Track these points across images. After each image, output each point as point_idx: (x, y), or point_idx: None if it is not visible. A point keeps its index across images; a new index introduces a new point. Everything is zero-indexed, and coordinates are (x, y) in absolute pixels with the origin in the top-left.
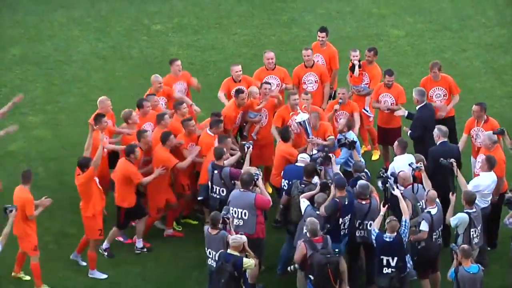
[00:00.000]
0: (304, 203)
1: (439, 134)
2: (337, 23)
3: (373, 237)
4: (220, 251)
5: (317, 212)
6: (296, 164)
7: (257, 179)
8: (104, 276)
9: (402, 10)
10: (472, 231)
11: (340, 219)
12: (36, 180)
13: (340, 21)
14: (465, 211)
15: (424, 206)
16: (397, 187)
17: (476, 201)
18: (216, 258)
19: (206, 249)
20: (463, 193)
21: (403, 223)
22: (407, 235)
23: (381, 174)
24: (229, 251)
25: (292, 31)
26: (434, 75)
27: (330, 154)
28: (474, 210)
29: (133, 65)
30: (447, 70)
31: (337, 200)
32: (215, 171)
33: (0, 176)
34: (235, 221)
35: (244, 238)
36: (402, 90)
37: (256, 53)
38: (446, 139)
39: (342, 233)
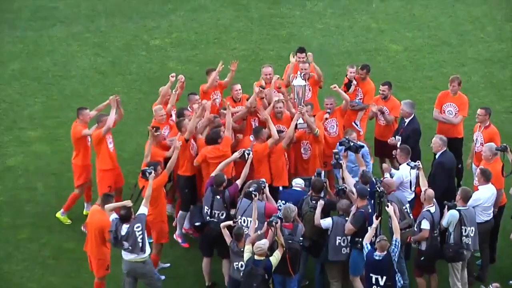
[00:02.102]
0: (327, 220)
1: (441, 144)
2: (336, 38)
3: (365, 253)
4: (247, 258)
5: (346, 219)
6: (293, 188)
7: (264, 187)
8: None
9: (401, 25)
10: (463, 229)
11: (368, 228)
12: (35, 196)
13: (339, 36)
14: (457, 208)
15: (408, 211)
16: (391, 204)
17: (479, 215)
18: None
19: (234, 263)
20: (459, 190)
21: (394, 242)
22: (397, 254)
23: (377, 188)
24: (256, 257)
25: (291, 46)
26: (453, 89)
27: (342, 161)
28: (467, 207)
29: (132, 80)
30: (446, 85)
31: (363, 210)
32: (217, 197)
33: None
34: (244, 230)
35: (267, 243)
36: (397, 105)
37: (255, 68)
38: (446, 148)
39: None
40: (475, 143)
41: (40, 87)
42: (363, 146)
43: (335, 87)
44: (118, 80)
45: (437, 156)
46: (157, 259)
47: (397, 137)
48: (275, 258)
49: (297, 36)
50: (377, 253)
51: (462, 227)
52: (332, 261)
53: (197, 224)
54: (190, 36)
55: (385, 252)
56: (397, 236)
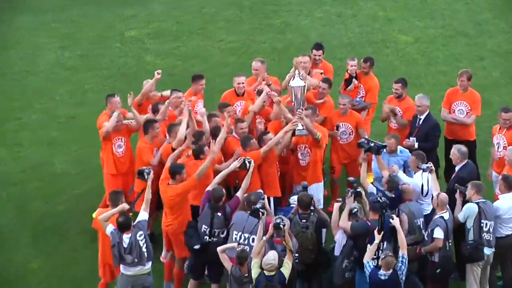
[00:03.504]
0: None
1: (460, 156)
2: (337, 28)
3: (367, 272)
4: (257, 275)
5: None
6: (291, 205)
7: (263, 198)
8: None
9: (411, 13)
10: (483, 224)
11: (368, 246)
12: None
13: (341, 26)
14: (474, 201)
15: (421, 225)
16: (397, 215)
17: (498, 229)
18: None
19: None
20: (469, 185)
21: (400, 258)
22: (404, 272)
23: (379, 199)
24: (266, 273)
25: (286, 37)
26: (462, 85)
27: (360, 190)
28: (484, 200)
29: (104, 77)
30: None
31: (369, 223)
32: (218, 214)
33: None
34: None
35: (277, 257)
36: (411, 106)
37: (245, 62)
38: (466, 160)
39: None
40: (496, 148)
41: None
42: (385, 146)
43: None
44: (88, 77)
45: (456, 169)
46: (181, 275)
47: (411, 138)
48: (286, 268)
49: (294, 26)
50: (382, 271)
51: (482, 221)
52: (337, 286)
53: (196, 247)
54: (171, 26)
55: (391, 271)
56: (403, 251)
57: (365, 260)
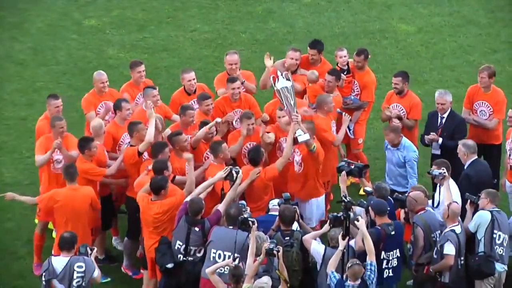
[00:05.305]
0: (320, 246)
1: (466, 151)
2: (328, 16)
3: (332, 285)
4: None
5: (340, 249)
6: (270, 213)
7: (245, 211)
8: None
9: None
10: (495, 235)
11: (383, 253)
12: None
13: (332, 14)
14: (487, 209)
15: (437, 238)
16: (365, 216)
17: None
18: None
19: None
20: (484, 193)
21: (368, 266)
22: (374, 281)
23: (343, 198)
24: None
25: (268, 26)
26: (483, 83)
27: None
28: (498, 210)
29: (59, 72)
30: (473, 77)
31: (379, 228)
32: (195, 228)
33: None
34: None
35: (269, 280)
36: (416, 103)
37: (221, 56)
38: (475, 157)
39: (386, 273)
40: (508, 155)
41: None
42: (367, 166)
43: None
44: (41, 73)
45: (465, 167)
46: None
47: (432, 135)
48: None
49: (277, 13)
50: (349, 282)
51: (495, 231)
52: None
53: (169, 266)
54: (136, 14)
55: (359, 281)
56: (371, 258)
57: (328, 270)
